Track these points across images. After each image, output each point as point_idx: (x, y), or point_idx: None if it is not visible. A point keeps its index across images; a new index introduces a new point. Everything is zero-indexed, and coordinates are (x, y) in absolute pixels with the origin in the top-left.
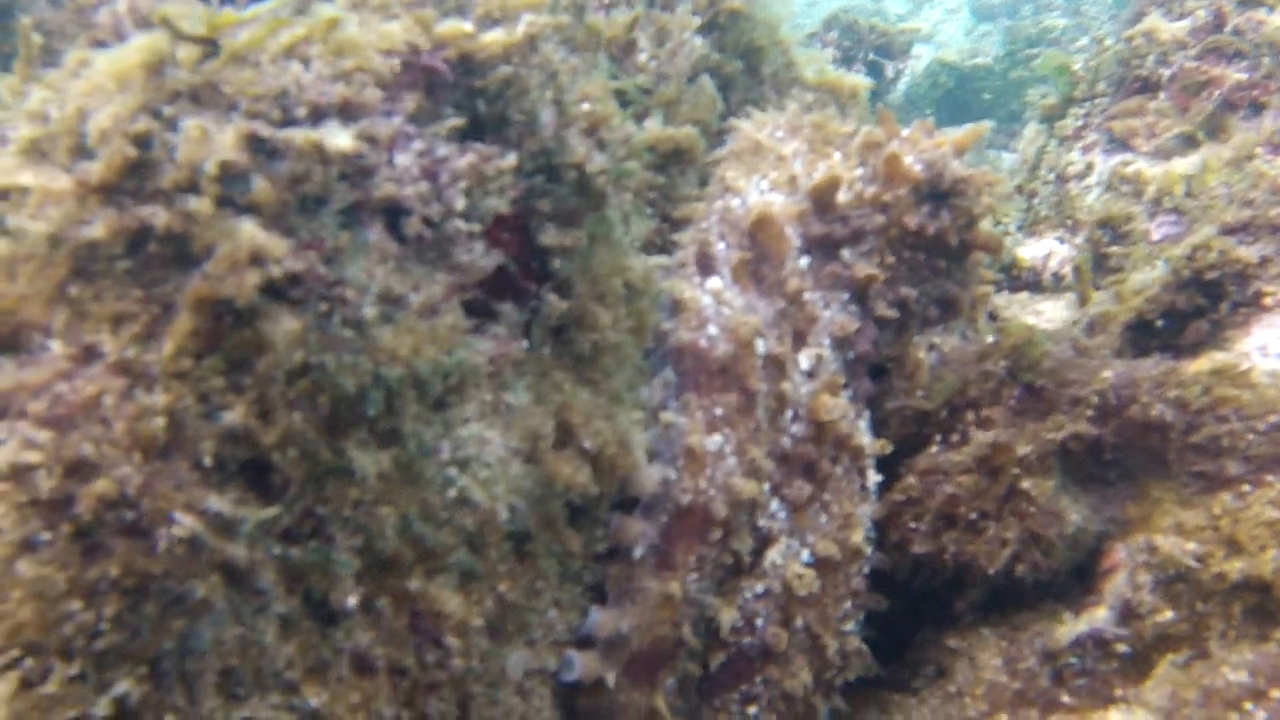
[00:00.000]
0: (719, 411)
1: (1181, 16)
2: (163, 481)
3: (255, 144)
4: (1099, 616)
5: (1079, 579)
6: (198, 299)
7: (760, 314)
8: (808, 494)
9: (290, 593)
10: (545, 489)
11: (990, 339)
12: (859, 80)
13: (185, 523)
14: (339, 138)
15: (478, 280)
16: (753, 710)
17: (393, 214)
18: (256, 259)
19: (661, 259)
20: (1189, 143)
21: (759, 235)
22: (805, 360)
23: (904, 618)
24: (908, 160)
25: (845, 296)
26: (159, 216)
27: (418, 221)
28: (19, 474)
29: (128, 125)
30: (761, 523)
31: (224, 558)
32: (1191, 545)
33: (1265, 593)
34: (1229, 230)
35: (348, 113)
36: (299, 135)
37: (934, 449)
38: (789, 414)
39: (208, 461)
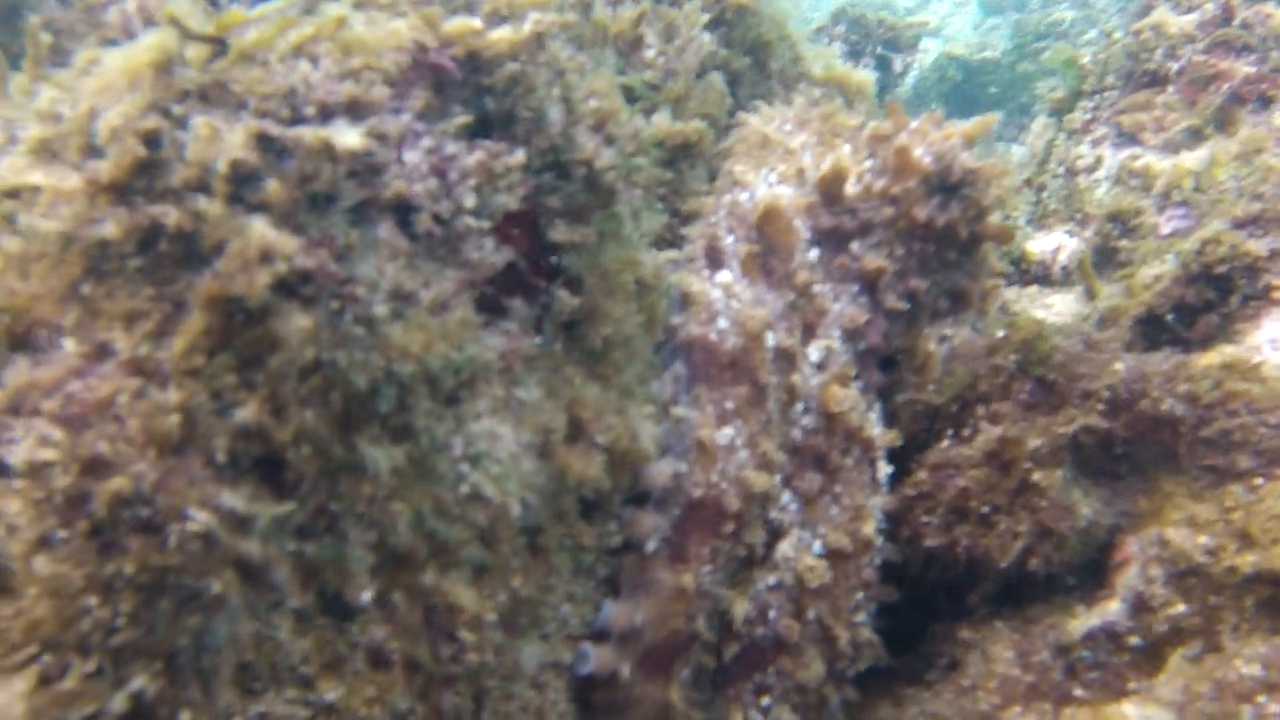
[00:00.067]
0: (730, 405)
1: (1190, 10)
2: (177, 478)
3: (264, 142)
4: (1111, 610)
5: (1091, 572)
6: (209, 297)
7: (770, 307)
8: (819, 486)
9: (305, 588)
10: (557, 484)
11: (1000, 333)
12: (866, 75)
13: (200, 519)
14: (348, 136)
15: (488, 277)
16: (766, 701)
17: (403, 211)
18: (267, 257)
19: (671, 253)
20: (1197, 136)
21: (767, 228)
22: (815, 352)
23: (916, 611)
24: (917, 152)
25: (855, 288)
26: (170, 215)
27: (427, 218)
28: (35, 472)
29: (137, 124)
30: (773, 515)
31: (238, 554)
32: (1203, 539)
33: (1277, 586)
34: (1238, 224)
35: (356, 111)
36: (308, 133)
37: (945, 443)
38: (799, 406)
39: (221, 458)
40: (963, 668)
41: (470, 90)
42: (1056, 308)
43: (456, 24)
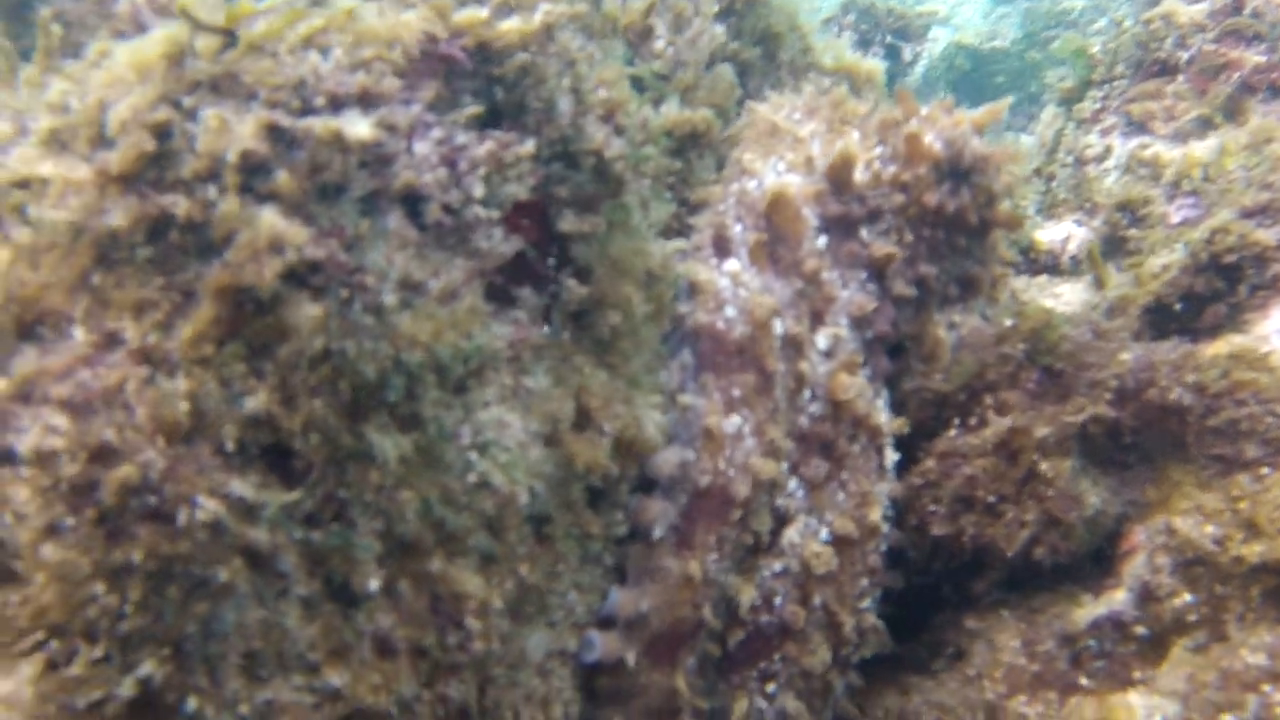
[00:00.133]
0: (737, 392)
1: None
2: (185, 466)
3: (275, 133)
4: (1117, 599)
5: (1098, 561)
6: (219, 287)
7: (777, 294)
8: (825, 472)
9: (312, 576)
10: (565, 472)
11: (1008, 322)
12: (876, 64)
13: (208, 507)
14: (358, 126)
15: (497, 266)
16: (771, 687)
17: (412, 201)
18: (277, 247)
19: (679, 242)
20: (1207, 125)
21: (775, 216)
22: (823, 340)
23: (922, 600)
24: (928, 138)
25: (863, 275)
26: (180, 205)
27: (437, 208)
28: (43, 459)
29: (147, 115)
30: (780, 501)
31: (246, 541)
32: (1210, 528)
33: None
34: (1247, 213)
35: (366, 101)
36: (318, 124)
37: (952, 432)
38: (807, 393)
39: (230, 446)
40: (968, 657)
41: (480, 81)
42: (1065, 297)
43: (466, 14)
